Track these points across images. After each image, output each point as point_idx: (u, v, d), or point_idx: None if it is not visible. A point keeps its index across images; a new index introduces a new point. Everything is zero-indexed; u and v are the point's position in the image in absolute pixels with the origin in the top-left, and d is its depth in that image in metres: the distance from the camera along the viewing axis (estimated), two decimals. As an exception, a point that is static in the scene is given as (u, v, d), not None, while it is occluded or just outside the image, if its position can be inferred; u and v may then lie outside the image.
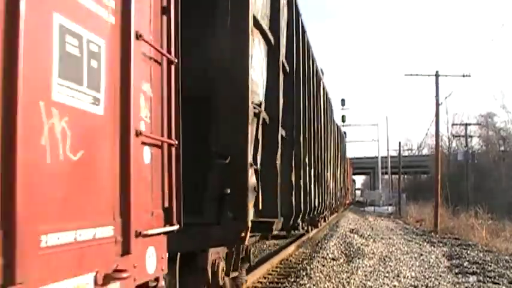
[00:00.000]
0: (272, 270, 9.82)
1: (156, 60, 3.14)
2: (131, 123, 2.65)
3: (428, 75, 25.29)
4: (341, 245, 13.95)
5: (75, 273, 2.16)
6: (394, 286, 8.22)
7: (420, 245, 14.84)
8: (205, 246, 4.93)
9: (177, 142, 3.32)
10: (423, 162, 59.72)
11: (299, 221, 9.70)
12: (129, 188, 2.63)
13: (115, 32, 2.58)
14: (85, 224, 2.26)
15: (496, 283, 8.75)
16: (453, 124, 55.32)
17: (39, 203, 1.94)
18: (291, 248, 12.74)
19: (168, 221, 3.22)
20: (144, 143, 2.89)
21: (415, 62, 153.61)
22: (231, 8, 4.92)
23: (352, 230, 19.66)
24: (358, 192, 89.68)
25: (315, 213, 13.03)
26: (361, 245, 13.84)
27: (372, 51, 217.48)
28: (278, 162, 6.69)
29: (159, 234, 3.09)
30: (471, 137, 46.35)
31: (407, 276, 9.04)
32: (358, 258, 11.09)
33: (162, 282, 3.26)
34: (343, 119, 45.33)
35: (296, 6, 8.83)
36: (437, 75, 24.43)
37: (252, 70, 5.28)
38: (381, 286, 8.17)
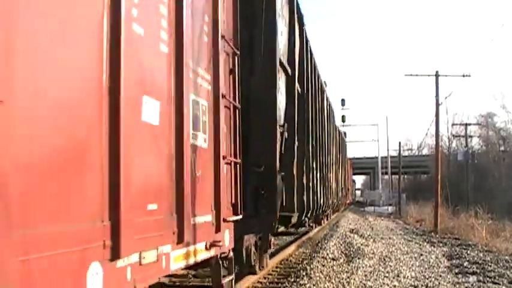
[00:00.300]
0: (272, 271, 9.82)
1: (228, 107, 4.92)
2: (220, 152, 4.49)
3: (428, 75, 25.29)
4: (341, 245, 13.95)
5: (199, 241, 4.08)
6: (394, 286, 8.22)
7: (420, 245, 14.84)
8: (248, 233, 6.53)
9: (240, 161, 5.20)
10: (423, 162, 59.74)
11: (307, 217, 11.57)
12: (219, 192, 4.44)
13: (210, 96, 4.40)
14: (202, 214, 4.13)
15: (496, 283, 8.75)
16: (453, 124, 55.36)
17: (194, 202, 3.87)
18: (291, 248, 12.74)
19: (235, 213, 5.06)
20: (225, 163, 4.71)
21: (415, 62, 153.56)
22: (264, 56, 6.80)
23: (352, 230, 19.65)
24: (358, 192, 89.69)
25: (320, 211, 15.05)
26: (361, 245, 13.84)
27: (372, 51, 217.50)
28: (294, 169, 8.63)
29: (232, 221, 4.91)
30: (471, 137, 46.35)
31: (407, 276, 9.04)
32: (358, 258, 11.09)
33: (231, 254, 5.12)
34: (343, 119, 45.33)
35: (305, 35, 10.62)
36: (437, 75, 24.42)
37: (278, 100, 7.21)
38: (381, 286, 8.17)
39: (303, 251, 12.96)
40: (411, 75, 26.36)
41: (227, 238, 4.84)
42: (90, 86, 2.59)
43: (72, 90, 2.45)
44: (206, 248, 4.27)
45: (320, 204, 13.81)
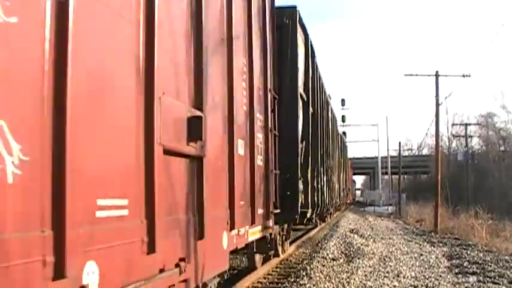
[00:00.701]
0: (272, 271, 9.82)
1: (272, 136, 7.15)
2: (269, 167, 6.98)
3: (428, 75, 25.28)
4: (341, 245, 13.95)
5: (257, 225, 6.19)
6: (394, 286, 8.22)
7: (420, 245, 14.84)
8: (277, 223, 8.33)
9: (279, 172, 7.59)
10: (423, 162, 59.77)
11: (315, 214, 13.60)
12: (268, 194, 6.76)
13: (263, 130, 6.65)
14: (260, 208, 6.22)
15: (496, 283, 8.75)
16: (453, 124, 55.39)
17: (256, 200, 6.04)
18: (291, 248, 12.74)
19: (275, 208, 7.29)
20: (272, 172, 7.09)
21: (415, 62, 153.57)
22: (288, 91, 9.27)
23: (352, 230, 19.65)
24: (358, 193, 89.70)
25: (325, 209, 17.60)
26: (361, 245, 13.84)
27: (372, 51, 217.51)
28: (309, 175, 11.06)
29: (274, 213, 7.22)
30: (471, 137, 46.37)
31: (407, 276, 9.04)
32: (358, 258, 11.09)
33: (272, 236, 8.22)
34: (343, 119, 45.30)
35: (316, 64, 13.08)
36: (437, 75, 24.41)
37: (299, 124, 9.89)
38: (381, 286, 8.17)
39: (303, 251, 12.96)
40: (411, 75, 26.36)
41: (271, 224, 7.19)
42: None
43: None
44: (260, 231, 6.49)
45: (326, 203, 16.39)
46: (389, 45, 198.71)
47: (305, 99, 11.10)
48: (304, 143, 10.72)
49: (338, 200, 25.50)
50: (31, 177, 2.00)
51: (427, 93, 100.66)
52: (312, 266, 9.83)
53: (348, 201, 45.51)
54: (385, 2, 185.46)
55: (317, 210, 13.33)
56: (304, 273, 9.09)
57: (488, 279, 9.06)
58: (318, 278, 8.67)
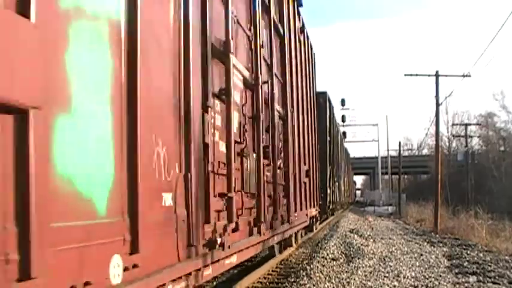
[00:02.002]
0: (272, 271, 9.82)
1: (317, 163, 14.93)
2: (317, 180, 15.26)
3: (429, 75, 25.27)
4: (341, 245, 13.95)
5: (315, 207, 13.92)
6: (394, 286, 8.21)
7: (420, 245, 14.84)
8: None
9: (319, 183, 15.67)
10: (423, 162, 59.74)
11: (332, 207, 23.24)
12: (317, 195, 14.25)
13: (315, 161, 14.75)
14: (311, 206, 12.72)
15: (496, 283, 8.74)
16: (453, 124, 55.40)
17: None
18: (291, 248, 12.73)
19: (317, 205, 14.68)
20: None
21: (415, 62, 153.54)
22: (322, 136, 18.56)
23: (352, 230, 19.65)
24: (358, 193, 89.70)
25: (335, 206, 26.02)
26: (361, 245, 13.84)
27: (372, 51, 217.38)
28: (329, 183, 20.32)
29: (316, 209, 14.34)
30: (471, 137, 46.31)
31: (408, 276, 9.04)
32: (358, 258, 11.09)
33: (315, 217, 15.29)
34: (343, 119, 45.37)
35: (332, 112, 23.67)
36: (437, 75, 24.40)
37: (327, 153, 20.04)
38: (381, 286, 8.17)
39: (303, 251, 12.95)
40: (411, 75, 26.32)
41: (315, 212, 13.69)
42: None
43: None
44: (316, 211, 13.55)
45: (336, 201, 25.90)
46: (389, 45, 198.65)
47: (328, 137, 20.57)
48: (330, 165, 20.67)
49: (343, 199, 34.74)
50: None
51: (427, 93, 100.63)
52: (312, 266, 9.82)
53: (349, 201, 51.28)
54: (385, 2, 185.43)
55: (333, 205, 23.59)
56: (304, 273, 9.08)
57: (488, 279, 9.05)
58: (317, 278, 8.67)
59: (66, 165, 2.32)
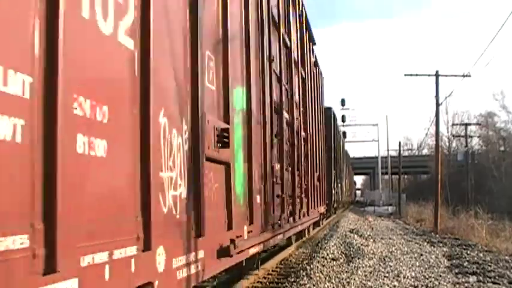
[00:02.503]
0: (272, 271, 9.81)
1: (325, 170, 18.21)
2: (326, 183, 18.60)
3: (429, 75, 25.28)
4: (341, 245, 13.94)
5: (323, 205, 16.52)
6: (394, 286, 8.21)
7: (420, 245, 14.84)
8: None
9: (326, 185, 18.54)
10: (423, 162, 59.76)
11: (336, 205, 26.74)
12: (324, 194, 17.37)
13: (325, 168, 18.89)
14: (320, 205, 15.17)
15: (496, 283, 8.74)
16: (453, 124, 55.42)
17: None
18: (291, 248, 12.73)
19: (324, 204, 17.60)
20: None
21: (415, 62, 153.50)
22: (328, 147, 21.23)
23: (352, 230, 19.65)
24: (358, 193, 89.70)
25: (337, 204, 28.70)
26: (361, 245, 13.83)
27: (372, 51, 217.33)
28: (334, 185, 23.80)
29: (326, 204, 18.22)
30: (471, 137, 46.31)
31: (407, 276, 9.04)
32: (358, 258, 11.09)
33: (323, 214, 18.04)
34: (343, 119, 45.39)
35: (336, 124, 27.35)
36: (437, 75, 24.41)
37: (331, 162, 23.21)
38: (381, 286, 8.16)
39: (303, 251, 12.95)
40: (411, 75, 26.34)
41: (323, 210, 16.16)
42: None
43: None
44: (324, 208, 16.18)
45: (339, 200, 29.87)
46: (389, 45, 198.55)
47: (332, 145, 23.58)
48: (334, 170, 23.98)
49: (345, 199, 38.97)
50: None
51: (427, 93, 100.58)
52: (312, 266, 9.82)
53: (350, 200, 54.37)
54: (385, 2, 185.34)
55: (336, 203, 27.23)
56: (304, 273, 9.08)
57: (488, 279, 9.05)
58: (317, 278, 8.67)
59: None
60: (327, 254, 11.73)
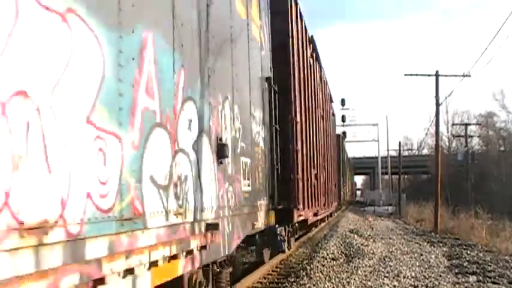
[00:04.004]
0: (272, 271, 9.82)
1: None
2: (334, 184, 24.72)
3: (429, 75, 25.28)
4: (341, 245, 13.95)
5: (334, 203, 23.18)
6: (394, 286, 8.22)
7: (420, 245, 14.84)
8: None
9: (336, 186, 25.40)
10: (423, 162, 59.70)
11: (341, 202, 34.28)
12: (336, 194, 24.73)
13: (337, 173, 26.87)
14: (335, 200, 24.00)
15: (496, 283, 8.75)
16: (453, 124, 55.39)
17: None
18: (291, 248, 12.75)
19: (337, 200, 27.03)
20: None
21: (415, 62, 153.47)
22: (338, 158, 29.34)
23: (352, 230, 19.65)
24: (358, 193, 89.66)
25: (343, 201, 38.40)
26: (361, 245, 13.84)
27: (372, 51, 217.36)
28: (341, 186, 31.94)
29: (337, 202, 27.06)
30: (471, 137, 46.32)
31: (407, 276, 9.04)
32: (358, 258, 11.09)
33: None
34: (343, 119, 45.42)
35: (344, 143, 39.61)
36: (437, 75, 24.40)
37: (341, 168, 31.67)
38: (381, 286, 8.17)
39: (303, 251, 12.96)
40: (411, 75, 26.34)
41: (336, 204, 24.64)
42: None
43: None
44: (336, 206, 25.51)
45: (345, 198, 38.99)
46: (389, 45, 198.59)
47: (341, 157, 31.58)
48: (341, 175, 30.83)
49: (347, 197, 44.84)
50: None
51: (427, 93, 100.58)
52: (312, 266, 9.83)
53: (350, 200, 57.49)
54: (385, 2, 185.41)
55: (343, 200, 36.05)
56: (304, 273, 9.09)
57: (488, 279, 9.05)
58: (317, 278, 8.67)
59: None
60: (327, 254, 11.74)
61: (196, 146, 4.37)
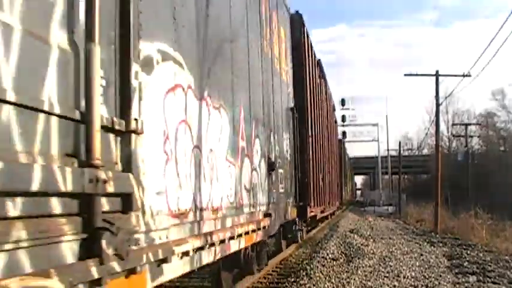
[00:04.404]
0: (272, 271, 9.82)
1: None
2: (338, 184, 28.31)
3: (429, 75, 25.29)
4: (341, 245, 13.95)
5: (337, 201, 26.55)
6: (394, 286, 8.22)
7: (420, 245, 14.84)
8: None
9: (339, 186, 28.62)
10: (423, 162, 59.72)
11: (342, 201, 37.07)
12: (339, 194, 27.75)
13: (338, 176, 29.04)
14: (338, 199, 26.46)
15: (496, 283, 8.75)
16: (453, 124, 55.35)
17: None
18: (291, 248, 12.74)
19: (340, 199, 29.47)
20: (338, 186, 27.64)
21: (415, 62, 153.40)
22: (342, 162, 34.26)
23: (352, 230, 19.65)
24: (358, 193, 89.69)
25: (345, 200, 42.68)
26: (361, 245, 13.84)
27: (373, 51, 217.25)
28: (343, 187, 35.03)
29: (340, 201, 29.88)
30: (471, 136, 46.31)
31: (407, 276, 9.04)
32: (358, 258, 11.09)
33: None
34: (343, 119, 45.50)
35: (347, 154, 49.16)
36: (437, 75, 24.42)
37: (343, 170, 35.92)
38: (381, 286, 8.17)
39: (303, 251, 12.96)
40: (411, 75, 26.35)
41: (338, 203, 26.79)
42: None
43: None
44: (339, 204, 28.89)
45: (345, 198, 39.96)
46: (389, 45, 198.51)
47: (343, 161, 36.68)
48: (343, 177, 33.84)
49: (348, 197, 48.56)
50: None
51: (427, 93, 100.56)
52: (312, 266, 9.83)
53: (351, 200, 58.61)
54: (386, 2, 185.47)
55: (345, 200, 39.61)
56: (304, 273, 9.09)
57: (488, 279, 9.05)
58: (318, 278, 8.67)
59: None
60: (327, 254, 11.73)
61: (259, 164, 6.90)
